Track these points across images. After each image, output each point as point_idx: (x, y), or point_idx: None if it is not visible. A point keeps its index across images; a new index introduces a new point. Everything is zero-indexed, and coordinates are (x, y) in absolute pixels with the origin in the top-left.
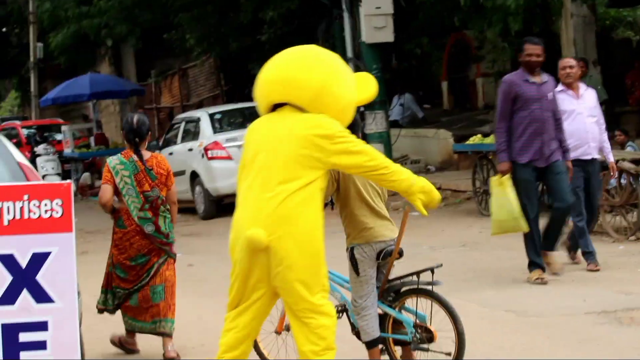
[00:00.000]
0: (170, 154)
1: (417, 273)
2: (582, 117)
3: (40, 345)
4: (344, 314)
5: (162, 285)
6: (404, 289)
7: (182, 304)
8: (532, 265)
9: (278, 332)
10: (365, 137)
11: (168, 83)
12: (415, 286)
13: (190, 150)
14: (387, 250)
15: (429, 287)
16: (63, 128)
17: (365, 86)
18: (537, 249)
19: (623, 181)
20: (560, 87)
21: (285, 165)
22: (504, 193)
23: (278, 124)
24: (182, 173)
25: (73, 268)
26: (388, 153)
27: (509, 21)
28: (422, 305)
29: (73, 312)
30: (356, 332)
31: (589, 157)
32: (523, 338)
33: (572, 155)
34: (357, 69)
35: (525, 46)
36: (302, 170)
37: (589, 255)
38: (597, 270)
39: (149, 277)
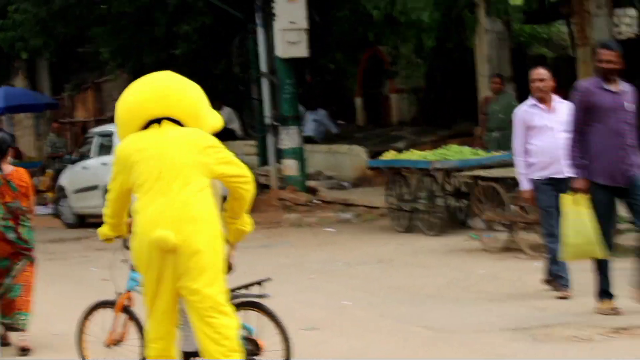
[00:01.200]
0: (84, 168)
1: (246, 286)
2: (553, 132)
3: None
4: None
5: (20, 285)
6: (232, 302)
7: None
8: (604, 294)
9: (108, 345)
10: (279, 153)
11: (82, 97)
12: (244, 299)
13: (105, 164)
14: None
15: (258, 300)
16: None
17: (213, 117)
18: (609, 276)
19: None
20: (530, 101)
21: (182, 171)
22: (579, 214)
23: (164, 136)
24: (95, 187)
25: None
26: (302, 169)
27: (423, 37)
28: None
29: None
30: None
31: (561, 176)
32: (438, 354)
33: (544, 173)
34: (271, 84)
35: (600, 51)
36: (198, 176)
37: (562, 280)
38: (567, 297)
39: (10, 278)
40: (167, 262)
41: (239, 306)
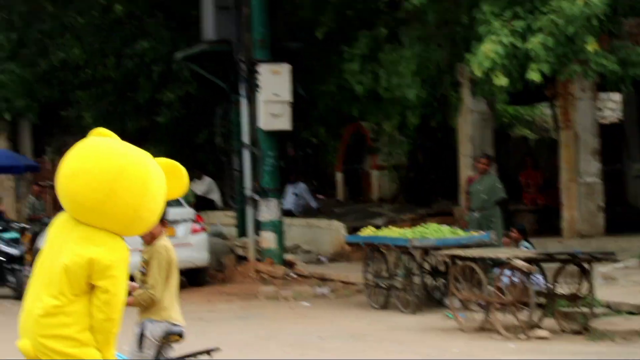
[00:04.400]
0: None
1: (194, 354)
2: None
3: None
4: None
5: None
6: None
7: None
8: None
9: None
10: (258, 225)
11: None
12: None
13: None
14: (171, 330)
15: None
16: None
17: (174, 178)
18: None
19: (515, 279)
20: None
21: (51, 278)
22: None
23: (64, 230)
24: None
25: None
26: (280, 242)
27: (407, 114)
28: None
29: None
30: None
31: None
32: None
33: None
34: (253, 155)
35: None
36: (66, 286)
37: None
38: None
39: None
40: None
41: None
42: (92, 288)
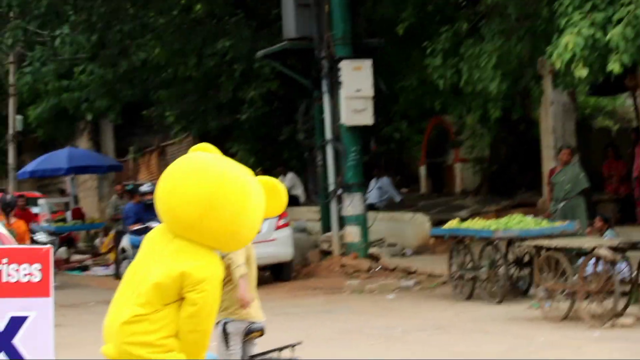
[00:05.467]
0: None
1: (279, 349)
2: None
3: None
4: None
5: None
6: None
7: None
8: None
9: None
10: (342, 219)
11: (146, 160)
12: None
13: None
14: (251, 328)
15: None
16: (40, 201)
17: (273, 197)
18: None
19: (599, 268)
20: None
21: (141, 289)
22: None
23: (159, 243)
24: None
25: (50, 333)
26: (364, 236)
27: (489, 107)
28: None
29: None
30: None
31: None
32: None
33: None
34: (336, 151)
35: None
36: (156, 298)
37: None
38: None
39: None
40: None
41: None
42: (182, 299)
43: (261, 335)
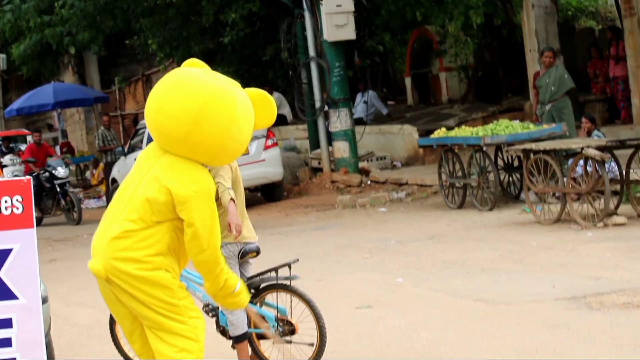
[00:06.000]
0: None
1: (276, 269)
2: None
3: (6, 343)
4: (212, 313)
5: None
6: (263, 284)
7: None
8: None
9: None
10: (330, 135)
11: (132, 89)
12: (274, 282)
13: None
14: (246, 249)
15: (287, 282)
16: (28, 138)
17: (263, 109)
18: None
19: (589, 168)
20: None
21: (132, 204)
22: None
23: (150, 159)
24: None
25: (35, 264)
26: (353, 151)
27: (471, 14)
28: (283, 299)
29: (37, 308)
30: (221, 329)
31: None
32: (494, 326)
33: None
34: (320, 67)
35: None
36: (148, 213)
37: None
38: None
39: None
40: None
41: (269, 288)
42: (174, 219)
43: (257, 255)
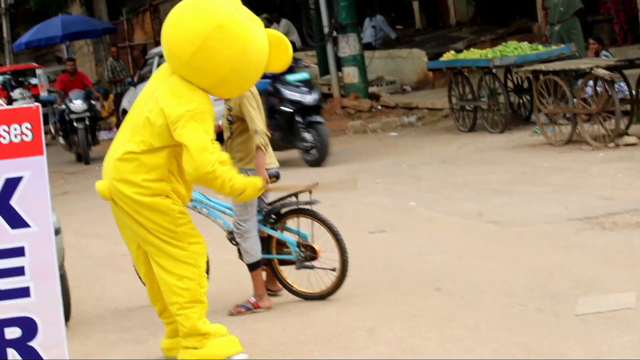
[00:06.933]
0: None
1: (296, 194)
2: None
3: (19, 272)
4: (235, 241)
5: None
6: (284, 210)
7: None
8: None
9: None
10: (339, 61)
11: (140, 20)
12: (295, 207)
13: None
14: (268, 175)
15: (308, 207)
16: (38, 72)
17: (279, 53)
18: None
19: (598, 89)
20: None
21: (137, 125)
22: None
23: (158, 79)
24: None
25: (46, 192)
26: (363, 76)
27: None
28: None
29: (49, 235)
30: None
31: None
32: (508, 247)
33: None
34: None
35: None
36: (150, 135)
37: None
38: None
39: None
40: None
41: (290, 213)
42: (177, 145)
43: (277, 180)
